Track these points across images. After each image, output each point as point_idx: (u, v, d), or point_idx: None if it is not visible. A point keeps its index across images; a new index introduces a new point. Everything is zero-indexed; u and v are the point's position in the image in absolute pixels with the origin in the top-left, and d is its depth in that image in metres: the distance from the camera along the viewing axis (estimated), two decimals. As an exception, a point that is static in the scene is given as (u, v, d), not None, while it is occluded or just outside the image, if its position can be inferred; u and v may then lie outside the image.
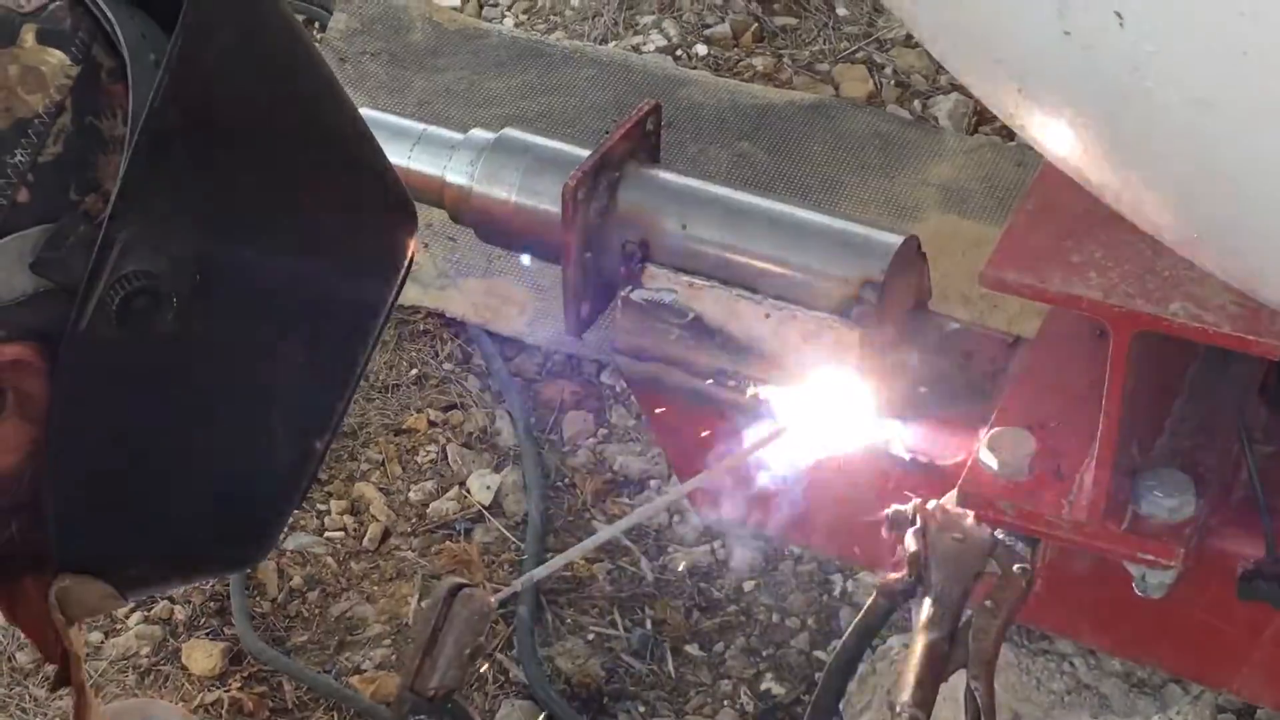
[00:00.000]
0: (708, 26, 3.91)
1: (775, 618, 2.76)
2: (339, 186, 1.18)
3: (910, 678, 1.66)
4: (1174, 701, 2.06)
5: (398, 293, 1.24)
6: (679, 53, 3.85)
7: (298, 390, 1.20)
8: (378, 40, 3.89)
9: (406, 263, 1.23)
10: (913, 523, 1.77)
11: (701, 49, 3.86)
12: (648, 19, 3.92)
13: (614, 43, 3.88)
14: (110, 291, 1.06)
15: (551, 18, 3.97)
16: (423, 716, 1.39)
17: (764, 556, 2.83)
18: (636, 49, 3.86)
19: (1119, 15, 1.07)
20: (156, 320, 1.08)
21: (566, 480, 2.97)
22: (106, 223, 1.06)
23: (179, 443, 1.14)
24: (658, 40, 3.88)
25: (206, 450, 1.16)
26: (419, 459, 3.01)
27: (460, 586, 1.41)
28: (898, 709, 1.64)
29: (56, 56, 1.08)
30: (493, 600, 1.40)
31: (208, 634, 2.76)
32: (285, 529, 2.80)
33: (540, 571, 1.61)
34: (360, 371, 1.24)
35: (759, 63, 3.81)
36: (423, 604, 2.75)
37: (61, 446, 1.11)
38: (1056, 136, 1.29)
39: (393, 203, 1.23)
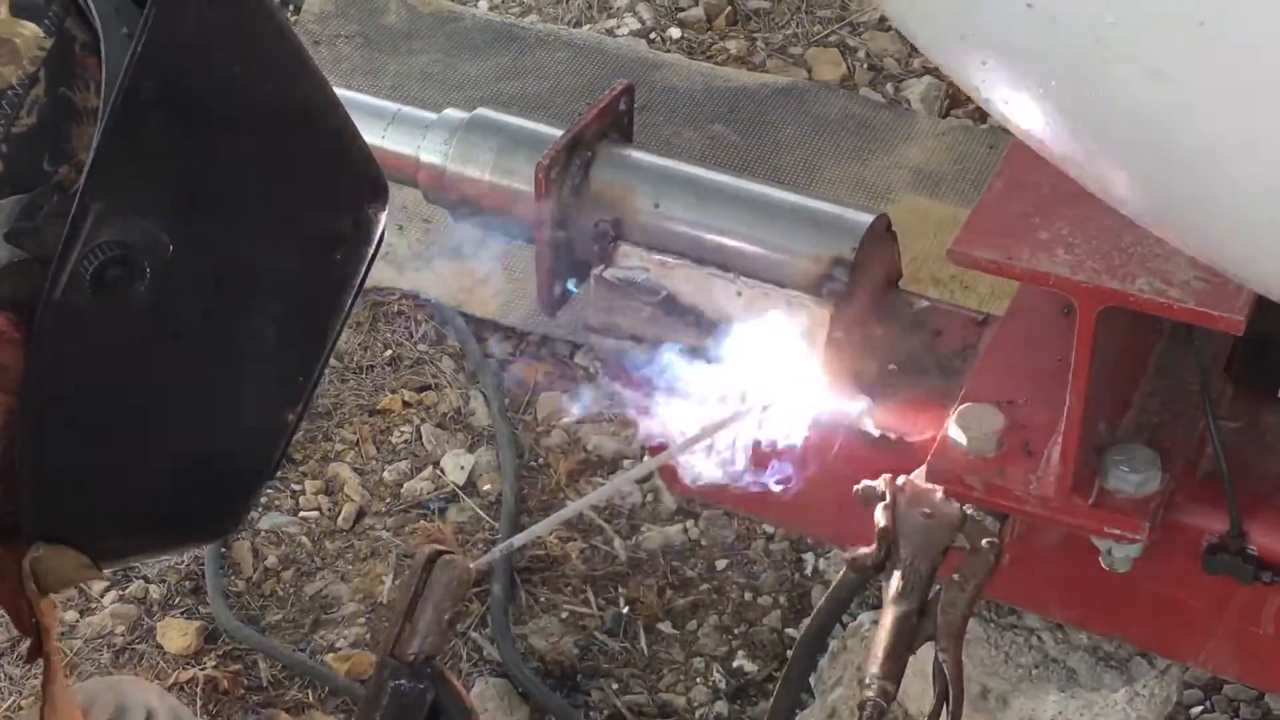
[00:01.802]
0: (681, 10, 3.91)
1: (747, 596, 2.78)
2: (311, 159, 1.19)
3: (880, 650, 1.67)
4: (1140, 675, 2.07)
5: (369, 265, 1.25)
6: (653, 36, 3.85)
7: (270, 361, 1.21)
8: (352, 23, 3.89)
9: (378, 236, 1.25)
10: (882, 498, 1.79)
11: (675, 32, 3.86)
12: (622, 2, 3.93)
13: (588, 26, 3.89)
14: (84, 261, 1.07)
15: (525, 1, 3.97)
16: (403, 681, 1.40)
17: (736, 535, 2.85)
18: (610, 32, 3.86)
19: (1082, -14, 1.08)
20: (130, 290, 1.09)
21: (540, 460, 2.98)
22: (80, 193, 1.07)
23: (152, 411, 1.15)
24: (631, 24, 3.89)
25: (179, 419, 1.17)
26: (393, 439, 3.02)
27: (439, 553, 1.42)
28: (867, 680, 1.65)
29: (30, 28, 1.08)
30: (472, 567, 1.41)
31: (183, 613, 2.77)
32: (259, 506, 2.83)
33: (520, 538, 1.62)
34: (332, 344, 1.26)
35: (732, 46, 3.82)
36: (398, 581, 2.76)
37: (36, 415, 1.12)
38: (1022, 111, 1.30)
39: (364, 176, 1.24)
